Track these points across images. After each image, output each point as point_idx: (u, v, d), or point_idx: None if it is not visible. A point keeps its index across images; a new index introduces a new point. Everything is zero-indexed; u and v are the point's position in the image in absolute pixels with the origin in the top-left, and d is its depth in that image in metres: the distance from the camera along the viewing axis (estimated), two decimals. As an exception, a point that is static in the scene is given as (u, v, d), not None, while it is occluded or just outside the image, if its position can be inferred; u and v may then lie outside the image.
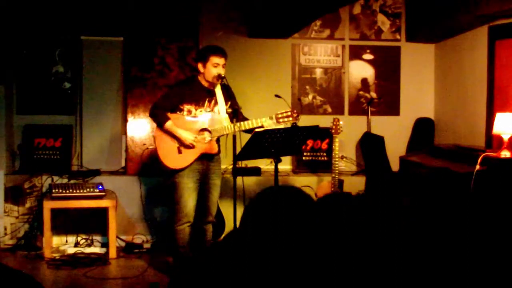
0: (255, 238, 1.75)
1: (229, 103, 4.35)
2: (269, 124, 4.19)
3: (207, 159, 4.35)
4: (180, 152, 4.26)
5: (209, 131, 4.28)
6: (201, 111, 4.32)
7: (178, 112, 4.30)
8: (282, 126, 4.17)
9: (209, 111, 4.33)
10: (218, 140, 4.43)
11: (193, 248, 4.43)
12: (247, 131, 4.22)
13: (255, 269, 1.71)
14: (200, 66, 4.32)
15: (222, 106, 4.33)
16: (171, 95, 4.37)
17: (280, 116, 4.18)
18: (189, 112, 4.31)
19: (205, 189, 4.41)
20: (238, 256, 1.78)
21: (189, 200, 4.29)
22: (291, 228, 1.71)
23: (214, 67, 4.25)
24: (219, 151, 4.44)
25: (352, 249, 1.79)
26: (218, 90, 4.38)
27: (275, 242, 1.71)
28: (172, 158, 4.26)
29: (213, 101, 4.35)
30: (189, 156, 4.27)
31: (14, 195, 5.37)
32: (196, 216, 4.38)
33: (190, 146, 4.24)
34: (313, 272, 1.73)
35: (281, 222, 1.72)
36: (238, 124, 4.14)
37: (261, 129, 4.09)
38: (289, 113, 4.18)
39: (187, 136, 4.22)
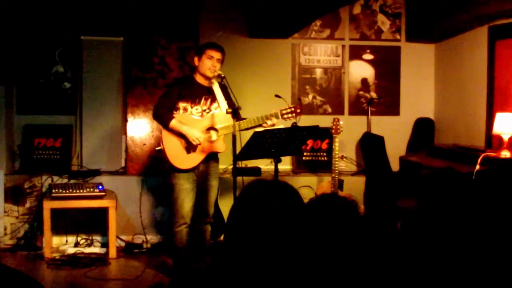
0: (244, 231, 1.76)
1: (226, 102, 4.36)
2: (275, 121, 4.21)
3: (206, 159, 4.35)
4: (189, 152, 4.26)
5: (216, 130, 4.28)
6: (197, 108, 4.32)
7: (174, 111, 4.29)
8: (283, 124, 4.19)
9: (205, 109, 4.33)
10: None
11: (192, 249, 4.43)
12: (253, 128, 4.23)
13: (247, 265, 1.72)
14: (196, 60, 4.36)
15: (223, 104, 4.33)
16: (170, 94, 4.36)
17: (284, 112, 4.21)
18: (185, 110, 4.30)
19: (202, 190, 4.40)
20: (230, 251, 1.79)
21: (185, 201, 4.28)
22: (279, 221, 1.72)
23: (208, 59, 4.28)
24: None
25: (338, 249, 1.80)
26: (217, 89, 4.38)
27: (263, 237, 1.72)
28: (181, 158, 4.25)
29: (209, 99, 4.36)
30: (197, 156, 4.27)
31: (14, 195, 5.38)
32: (194, 217, 4.38)
33: (195, 144, 4.23)
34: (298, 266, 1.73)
35: (271, 215, 1.73)
36: (243, 122, 4.16)
37: (261, 129, 4.09)
38: (293, 109, 4.21)
39: (193, 133, 4.18)
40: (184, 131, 4.20)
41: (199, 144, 4.22)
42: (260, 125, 4.20)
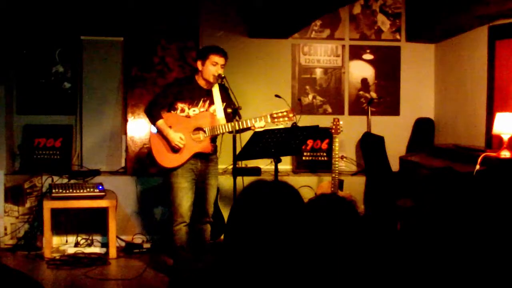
0: (243, 233, 1.75)
1: (225, 103, 4.34)
2: (264, 124, 4.16)
3: (202, 158, 4.34)
4: (174, 151, 4.26)
5: (204, 130, 4.27)
6: (194, 110, 4.31)
7: (172, 111, 4.30)
8: (279, 126, 4.16)
9: (203, 111, 4.32)
10: (215, 140, 4.42)
11: (192, 249, 4.43)
12: (242, 130, 4.21)
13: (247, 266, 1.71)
14: (199, 63, 4.31)
15: (219, 106, 4.32)
16: (167, 93, 4.35)
17: (275, 115, 4.16)
18: (182, 110, 4.30)
19: (201, 189, 4.40)
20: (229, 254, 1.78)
21: (183, 200, 4.27)
22: (279, 222, 1.72)
23: (212, 66, 4.24)
24: (215, 151, 4.43)
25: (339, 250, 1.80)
26: (216, 91, 4.37)
27: (263, 239, 1.71)
28: (166, 157, 4.26)
29: (208, 101, 4.34)
30: (183, 155, 4.26)
31: (14, 195, 5.38)
32: (194, 216, 4.38)
33: (176, 148, 4.23)
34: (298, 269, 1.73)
35: (269, 216, 1.73)
36: (232, 123, 4.12)
37: (261, 129, 4.08)
38: (285, 113, 4.15)
39: (174, 137, 4.20)
40: (166, 134, 4.21)
41: (181, 148, 4.21)
42: (249, 128, 4.16)
